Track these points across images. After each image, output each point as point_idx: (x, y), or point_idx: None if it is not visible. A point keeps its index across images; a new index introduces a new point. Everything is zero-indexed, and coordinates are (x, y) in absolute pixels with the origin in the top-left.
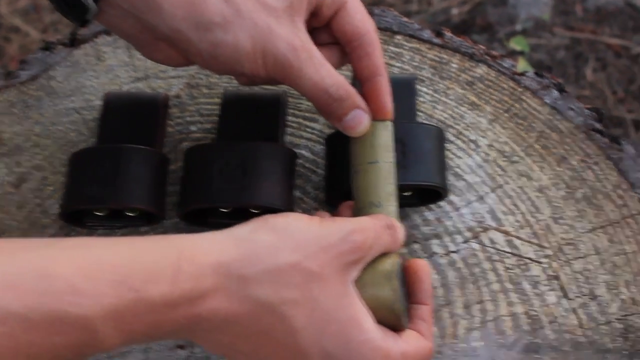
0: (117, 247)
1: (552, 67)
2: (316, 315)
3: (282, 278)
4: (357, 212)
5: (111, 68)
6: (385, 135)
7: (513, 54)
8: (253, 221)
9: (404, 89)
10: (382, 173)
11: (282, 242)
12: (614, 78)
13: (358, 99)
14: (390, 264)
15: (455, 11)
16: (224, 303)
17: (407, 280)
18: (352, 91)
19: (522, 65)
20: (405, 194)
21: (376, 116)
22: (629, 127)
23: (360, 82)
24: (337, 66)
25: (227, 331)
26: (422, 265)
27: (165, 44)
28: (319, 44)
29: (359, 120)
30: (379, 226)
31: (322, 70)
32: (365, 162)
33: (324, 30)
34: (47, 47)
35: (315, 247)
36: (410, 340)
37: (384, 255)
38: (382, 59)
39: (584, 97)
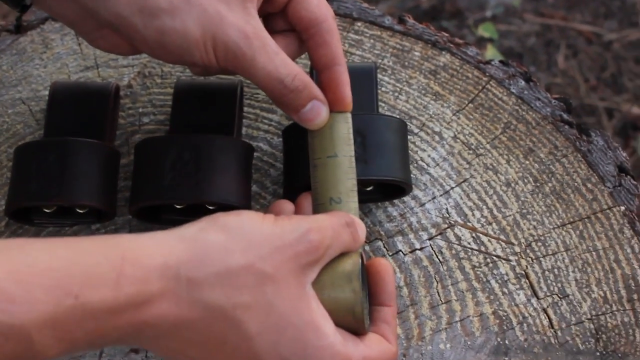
0: (55, 250)
1: (522, 54)
2: (271, 319)
3: (233, 281)
4: (316, 208)
5: (59, 56)
6: (345, 128)
7: (482, 41)
8: (203, 220)
9: (364, 79)
10: (342, 167)
11: (234, 243)
12: (585, 65)
13: (315, 90)
14: (351, 264)
15: None
16: (172, 308)
17: (369, 281)
18: (309, 81)
19: (491, 52)
20: (367, 188)
21: (334, 108)
22: (601, 116)
23: (317, 71)
24: (295, 55)
25: (176, 337)
26: (385, 265)
27: (110, 31)
28: (274, 31)
29: (317, 112)
30: (337, 224)
31: (276, 59)
32: (324, 156)
33: (279, 16)
34: None
35: (269, 247)
36: (373, 345)
37: (344, 254)
38: (340, 48)
39: (556, 85)
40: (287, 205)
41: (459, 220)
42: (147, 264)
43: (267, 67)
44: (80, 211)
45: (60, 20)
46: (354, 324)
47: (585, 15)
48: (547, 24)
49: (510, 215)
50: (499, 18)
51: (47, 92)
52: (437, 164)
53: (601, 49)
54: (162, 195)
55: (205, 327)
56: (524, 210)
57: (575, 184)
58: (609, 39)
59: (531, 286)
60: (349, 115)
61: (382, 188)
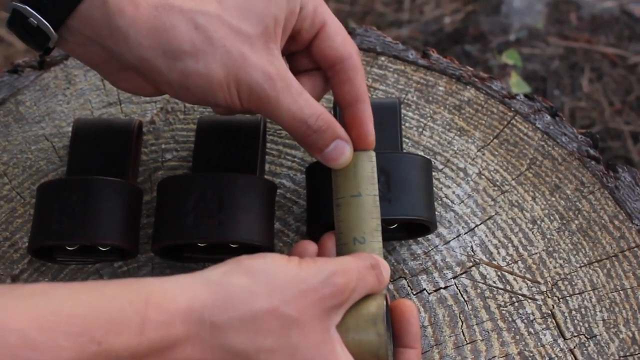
0: (78, 296)
1: (546, 78)
2: None
3: (258, 325)
4: (340, 248)
5: (82, 92)
6: (369, 167)
7: (505, 67)
8: (227, 263)
9: (388, 115)
10: (366, 207)
11: (258, 286)
12: (610, 88)
13: (339, 129)
14: (376, 306)
15: (447, 20)
16: (196, 352)
17: (393, 322)
18: (332, 121)
19: (514, 79)
20: (391, 227)
21: (358, 146)
22: (626, 140)
23: (341, 108)
24: (320, 94)
25: None
26: (409, 306)
27: (133, 73)
28: (299, 70)
29: (341, 151)
30: (362, 267)
31: (299, 100)
32: (348, 195)
33: (304, 54)
34: (15, 70)
35: (294, 290)
36: None
37: (368, 296)
38: (364, 85)
39: (580, 109)
40: (310, 246)
41: (484, 258)
42: (171, 308)
43: (291, 109)
44: (103, 249)
45: (83, 62)
46: None
47: (610, 38)
48: (571, 47)
49: (536, 254)
50: (522, 41)
51: (70, 128)
52: (462, 201)
53: (626, 71)
54: (184, 234)
55: None
56: (550, 248)
57: (603, 221)
58: (634, 61)
59: (558, 326)
60: (373, 154)
61: (407, 226)
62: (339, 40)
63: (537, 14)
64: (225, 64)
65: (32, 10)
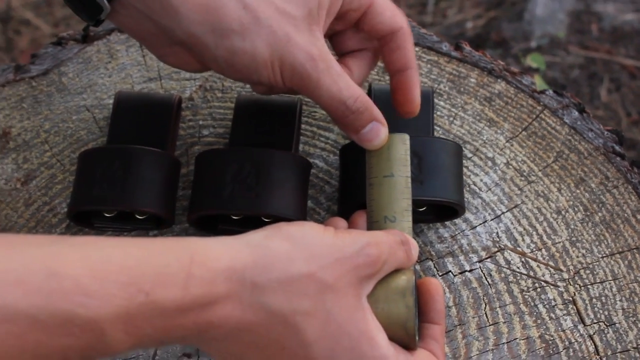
0: (128, 248)
1: (566, 86)
2: (329, 327)
3: (295, 288)
4: (370, 226)
5: (124, 67)
6: (402, 149)
7: (529, 71)
8: (267, 228)
9: (422, 102)
10: (398, 187)
11: (297, 251)
12: (628, 99)
13: (376, 112)
14: (405, 280)
15: (470, 24)
16: (236, 310)
17: (420, 298)
18: (370, 104)
19: (538, 82)
20: (420, 209)
21: (404, 109)
22: None
23: (390, 74)
24: (364, 76)
25: (237, 340)
26: (435, 285)
27: (181, 48)
28: (346, 51)
29: (376, 133)
30: (393, 241)
31: (340, 81)
32: (381, 175)
33: (351, 34)
34: (59, 42)
35: (330, 258)
36: (422, 359)
37: (398, 271)
38: (414, 52)
39: (598, 118)
40: (340, 222)
41: (509, 244)
42: (214, 266)
43: (331, 89)
44: (140, 217)
45: (131, 35)
46: (405, 339)
47: (630, 50)
48: (591, 56)
49: (559, 242)
50: (543, 49)
51: (110, 101)
52: (489, 189)
53: None
54: (222, 205)
55: (265, 331)
56: (574, 238)
57: (625, 214)
58: None
59: (578, 313)
60: (407, 137)
61: (436, 209)
62: (388, 14)
63: (559, 22)
64: (271, 44)
65: None
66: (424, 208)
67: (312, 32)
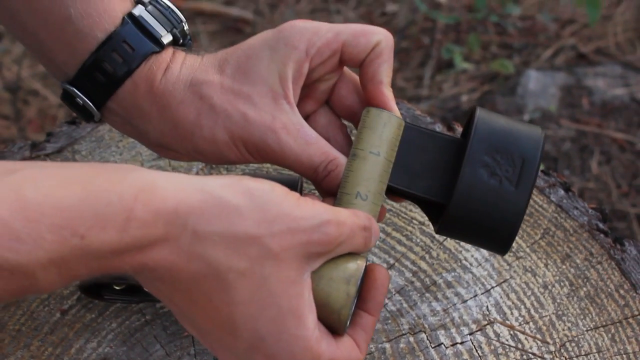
0: (68, 186)
1: (557, 158)
2: (260, 294)
3: (237, 246)
4: (340, 197)
5: (134, 145)
6: (396, 133)
7: None
8: (228, 176)
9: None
10: (381, 167)
11: (250, 210)
12: (618, 172)
13: (339, 157)
14: (355, 266)
15: (464, 98)
16: (171, 255)
17: (363, 285)
18: (338, 156)
19: None
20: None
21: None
22: (632, 221)
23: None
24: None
25: (168, 282)
26: (383, 275)
27: (162, 148)
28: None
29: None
30: (357, 224)
31: (309, 149)
32: (368, 150)
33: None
34: (73, 121)
35: (283, 226)
36: (344, 348)
37: (350, 254)
38: (390, 65)
39: (589, 189)
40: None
41: (498, 318)
42: (158, 207)
43: (299, 157)
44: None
45: (125, 134)
46: (335, 324)
47: (620, 123)
48: (582, 130)
49: (546, 316)
50: (536, 122)
51: None
52: (480, 264)
53: (634, 156)
54: None
55: (196, 281)
56: (560, 312)
57: (609, 289)
58: None
59: None
60: (402, 124)
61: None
62: (363, 41)
63: (550, 97)
64: (228, 127)
65: (78, 92)
66: None
67: (278, 105)
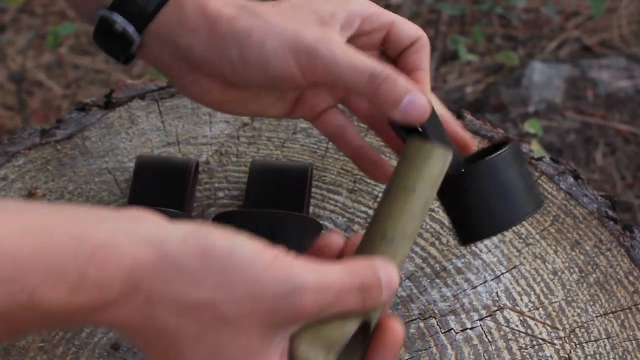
0: (25, 236)
1: (562, 150)
2: None
3: (189, 311)
4: (363, 241)
5: (144, 132)
6: (439, 167)
7: (526, 136)
8: (195, 229)
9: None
10: (414, 207)
11: (207, 275)
12: (622, 163)
13: (409, 81)
14: (340, 332)
15: (469, 89)
16: (125, 316)
17: (373, 339)
18: (399, 73)
19: (535, 147)
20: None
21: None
22: (636, 212)
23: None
24: None
25: (128, 337)
26: (395, 332)
27: (200, 75)
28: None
29: (420, 102)
30: (347, 287)
31: (359, 55)
32: (402, 185)
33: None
34: (83, 108)
35: (245, 291)
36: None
37: (341, 316)
38: (428, 59)
39: (593, 181)
40: (335, 237)
41: (508, 304)
42: (112, 267)
43: (353, 61)
44: None
45: (157, 68)
46: None
47: (624, 115)
48: (587, 122)
49: (556, 302)
50: (540, 114)
51: (131, 164)
52: (490, 251)
53: (638, 148)
54: None
55: (152, 340)
56: (569, 298)
57: (618, 276)
58: None
59: None
60: (450, 156)
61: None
62: (408, 27)
63: (555, 88)
64: (279, 35)
65: (119, 15)
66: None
67: (324, 30)
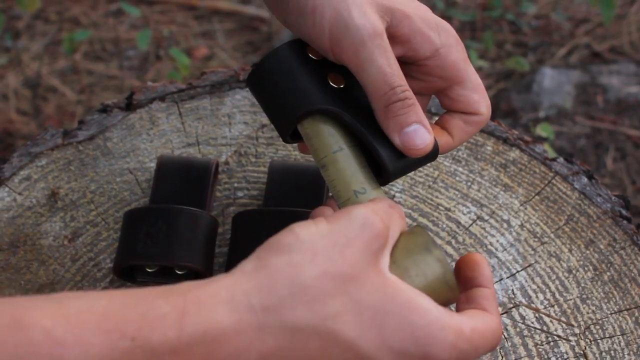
0: (113, 297)
1: (573, 155)
2: (366, 317)
3: (312, 294)
4: (342, 207)
5: (164, 133)
6: (337, 124)
7: (538, 140)
8: (256, 251)
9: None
10: (353, 158)
11: (298, 256)
12: (633, 168)
13: (422, 114)
14: (419, 235)
15: None
16: (253, 342)
17: (464, 270)
18: (417, 102)
19: (547, 151)
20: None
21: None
22: None
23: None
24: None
25: None
26: (479, 255)
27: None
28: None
29: (422, 136)
30: (384, 206)
31: (394, 66)
32: (330, 153)
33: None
34: (104, 109)
35: (336, 247)
36: (476, 316)
37: (404, 234)
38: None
39: (604, 186)
40: (327, 210)
41: (523, 301)
42: (211, 302)
43: (383, 68)
44: (180, 272)
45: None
46: (449, 294)
47: (634, 120)
48: (597, 127)
49: (571, 300)
50: (551, 119)
51: (152, 164)
52: (505, 249)
53: None
54: None
55: (301, 351)
56: (584, 296)
57: (632, 274)
58: None
59: None
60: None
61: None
62: (475, 98)
63: (565, 94)
64: (332, 5)
65: None
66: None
67: (377, 25)
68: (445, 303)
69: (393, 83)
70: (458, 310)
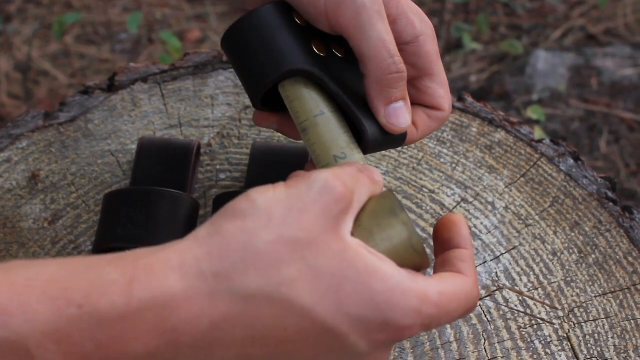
0: (61, 264)
1: (566, 138)
2: (322, 283)
3: (266, 260)
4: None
5: (146, 114)
6: (319, 88)
7: (529, 122)
8: (213, 217)
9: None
10: (334, 122)
11: (253, 221)
12: (626, 151)
13: (407, 93)
14: (388, 199)
15: (473, 78)
16: (205, 308)
17: (442, 231)
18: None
19: (537, 134)
20: None
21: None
22: None
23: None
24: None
25: (225, 342)
26: (458, 215)
27: None
28: None
29: (404, 115)
30: (352, 171)
31: (391, 34)
32: (311, 117)
33: None
34: (86, 91)
35: (292, 211)
36: (447, 279)
37: (373, 197)
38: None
39: (597, 169)
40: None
41: (507, 284)
42: (162, 268)
43: (383, 35)
44: None
45: None
46: (417, 259)
47: (628, 103)
48: (591, 110)
49: (555, 282)
50: (544, 102)
51: (134, 146)
52: (489, 231)
53: None
54: None
55: (254, 319)
56: (569, 279)
57: (617, 257)
58: None
59: (572, 349)
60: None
61: None
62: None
63: (559, 77)
64: None
65: None
66: None
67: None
68: (414, 269)
69: (393, 52)
70: (435, 273)
